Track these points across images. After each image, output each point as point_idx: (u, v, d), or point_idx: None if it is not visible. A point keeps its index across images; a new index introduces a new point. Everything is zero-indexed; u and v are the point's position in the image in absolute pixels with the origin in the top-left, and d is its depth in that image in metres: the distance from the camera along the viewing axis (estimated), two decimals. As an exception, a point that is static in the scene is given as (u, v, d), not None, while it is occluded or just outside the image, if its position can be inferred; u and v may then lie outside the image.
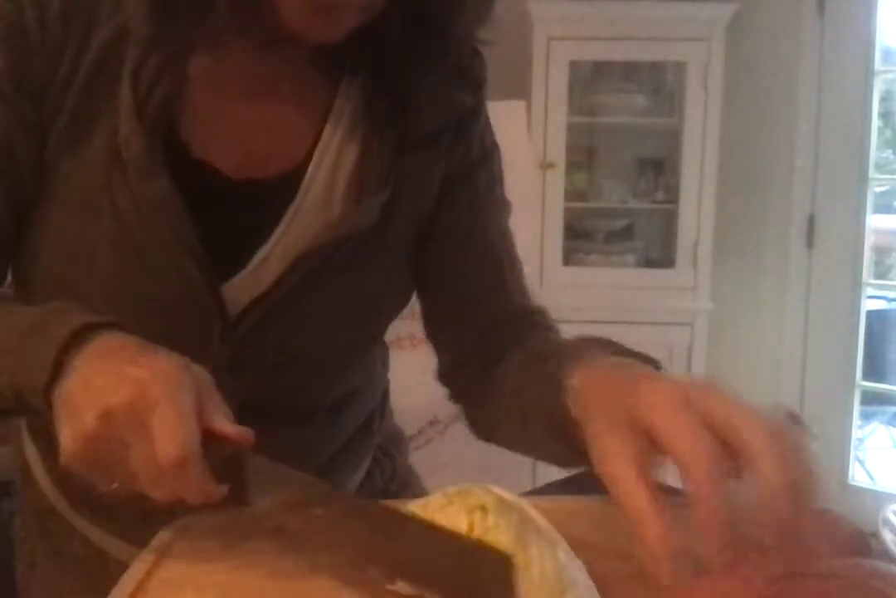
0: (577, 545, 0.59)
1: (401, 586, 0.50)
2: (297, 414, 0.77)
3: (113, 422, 0.50)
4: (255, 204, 0.69)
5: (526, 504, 0.54)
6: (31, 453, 0.82)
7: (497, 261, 0.78)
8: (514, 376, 0.71)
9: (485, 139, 0.79)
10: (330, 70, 0.71)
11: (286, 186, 0.69)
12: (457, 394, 0.82)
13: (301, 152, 0.70)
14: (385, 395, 0.91)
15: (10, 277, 0.72)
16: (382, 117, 0.70)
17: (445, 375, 0.82)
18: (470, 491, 0.52)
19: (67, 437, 0.51)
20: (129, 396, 0.50)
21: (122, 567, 0.61)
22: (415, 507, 0.54)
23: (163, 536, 0.63)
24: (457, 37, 0.68)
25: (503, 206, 0.80)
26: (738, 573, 0.46)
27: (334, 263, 0.70)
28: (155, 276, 0.66)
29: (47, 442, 0.76)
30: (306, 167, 0.69)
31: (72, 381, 0.53)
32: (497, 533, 0.49)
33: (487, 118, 0.79)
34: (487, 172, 0.79)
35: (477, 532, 0.50)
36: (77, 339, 0.54)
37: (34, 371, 0.54)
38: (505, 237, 0.80)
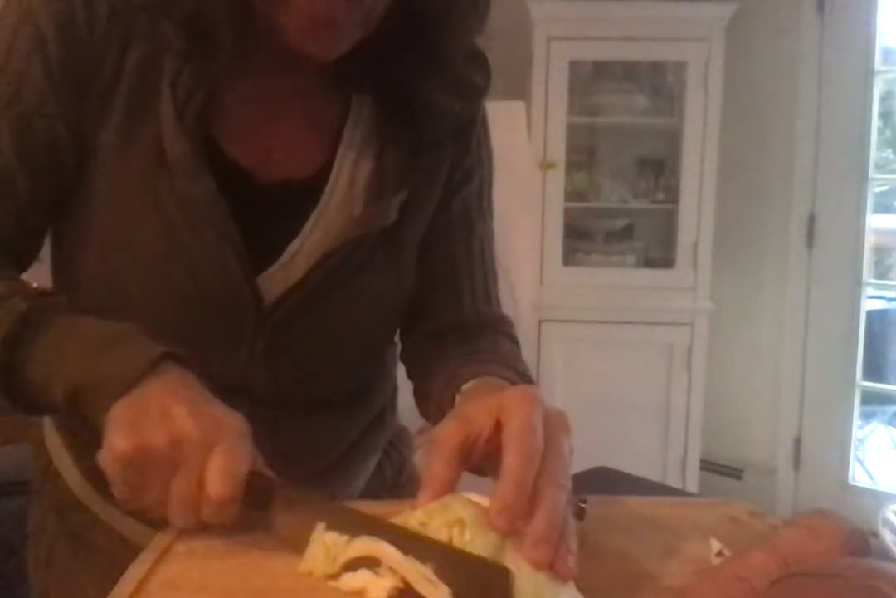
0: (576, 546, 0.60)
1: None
2: (316, 403, 0.81)
3: (178, 448, 0.55)
4: (285, 204, 0.73)
5: None
6: (55, 445, 0.84)
7: (470, 267, 0.83)
8: (438, 365, 0.77)
9: (481, 145, 0.83)
10: (341, 86, 0.75)
11: (311, 188, 0.74)
12: (409, 372, 0.87)
13: (321, 158, 0.74)
14: (394, 390, 0.94)
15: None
16: (394, 125, 0.75)
17: (403, 353, 0.88)
18: (449, 505, 0.53)
19: (120, 446, 0.55)
20: (203, 430, 0.56)
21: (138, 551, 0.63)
22: (395, 521, 0.55)
23: (163, 536, 0.63)
24: (451, 46, 0.72)
25: (488, 212, 0.85)
26: (738, 574, 0.46)
27: (358, 259, 0.75)
28: (197, 271, 0.70)
29: (76, 434, 0.81)
30: (327, 171, 0.74)
31: (143, 400, 0.57)
32: (472, 549, 0.49)
33: (486, 124, 0.84)
34: (480, 178, 0.83)
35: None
36: (154, 365, 0.59)
37: (108, 384, 0.59)
38: (485, 244, 0.84)
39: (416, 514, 0.54)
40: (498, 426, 0.54)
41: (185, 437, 0.55)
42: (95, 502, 0.81)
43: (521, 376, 0.72)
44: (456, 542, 0.50)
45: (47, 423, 0.85)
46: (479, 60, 0.77)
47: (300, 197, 0.73)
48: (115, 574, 0.57)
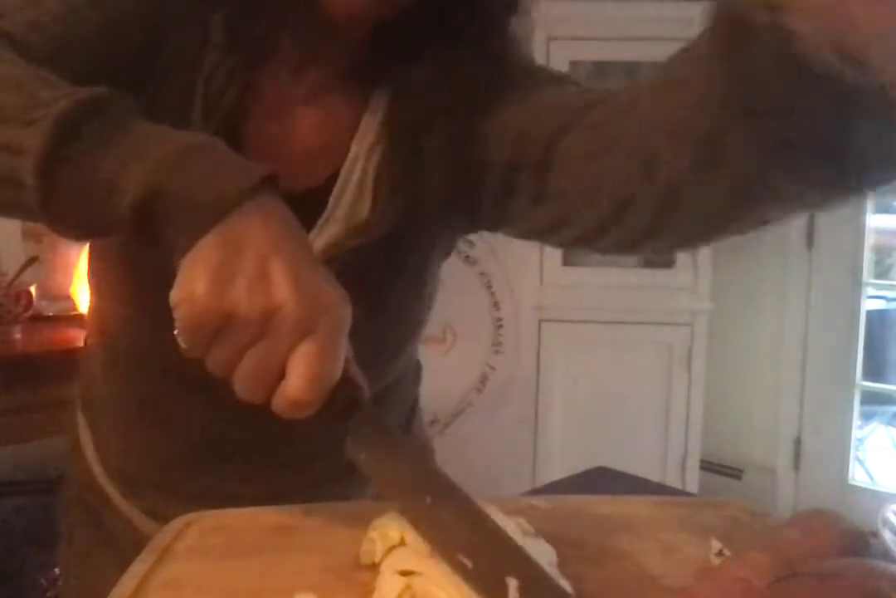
0: (576, 546, 0.60)
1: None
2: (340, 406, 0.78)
3: (267, 321, 0.47)
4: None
5: None
6: (82, 425, 0.84)
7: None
8: None
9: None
10: (358, 87, 0.73)
11: (317, 197, 0.71)
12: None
13: (327, 169, 0.72)
14: (416, 401, 0.93)
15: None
16: (406, 130, 0.71)
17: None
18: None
19: (201, 299, 0.46)
20: (302, 306, 0.47)
21: (148, 540, 0.62)
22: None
23: (163, 535, 0.63)
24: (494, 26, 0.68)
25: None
26: (737, 574, 0.46)
27: (363, 266, 0.71)
28: None
29: (96, 414, 0.80)
30: (333, 181, 0.71)
31: (237, 244, 0.48)
32: None
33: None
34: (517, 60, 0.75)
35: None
36: (255, 189, 0.49)
37: (196, 199, 0.48)
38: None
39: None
40: None
41: (279, 311, 0.47)
42: (106, 483, 0.82)
43: None
44: None
45: (77, 402, 0.85)
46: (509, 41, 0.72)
47: (306, 206, 0.71)
48: (126, 558, 0.57)
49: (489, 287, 2.69)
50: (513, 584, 0.44)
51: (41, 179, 0.49)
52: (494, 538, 0.48)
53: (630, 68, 3.07)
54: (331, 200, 0.71)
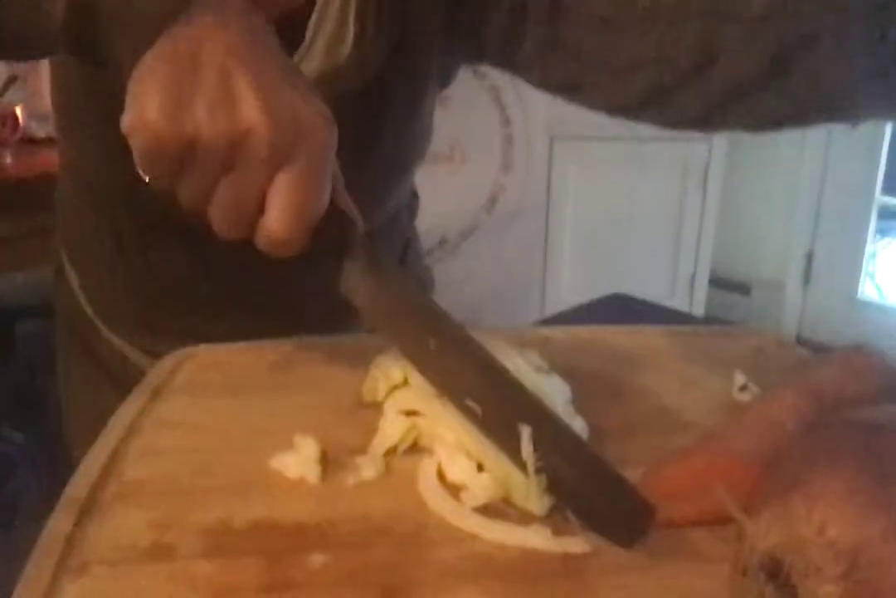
0: (592, 380, 0.57)
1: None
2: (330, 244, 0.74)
3: (235, 148, 0.39)
4: None
5: None
6: (64, 252, 0.81)
7: None
8: None
9: None
10: None
11: (295, 26, 0.59)
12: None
13: None
14: (413, 233, 0.88)
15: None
16: None
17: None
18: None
19: (154, 125, 0.39)
20: (276, 128, 0.39)
21: (140, 372, 0.61)
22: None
23: (156, 372, 0.60)
24: None
25: None
26: (767, 415, 0.43)
27: (350, 110, 0.61)
28: None
29: (75, 248, 0.76)
30: (313, 4, 0.59)
31: (192, 49, 0.39)
32: None
33: None
34: None
35: None
36: None
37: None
38: None
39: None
40: None
41: (249, 135, 0.39)
42: (96, 319, 0.79)
43: None
44: None
45: (58, 233, 0.81)
46: None
47: (282, 37, 0.60)
48: (119, 384, 0.54)
49: (499, 102, 2.56)
50: (525, 431, 0.41)
51: None
52: (505, 383, 0.44)
53: None
54: (309, 27, 0.59)
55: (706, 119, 0.57)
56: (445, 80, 0.72)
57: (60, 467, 0.55)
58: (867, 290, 3.12)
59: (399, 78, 0.65)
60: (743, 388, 0.55)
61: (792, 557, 0.31)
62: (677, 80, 0.55)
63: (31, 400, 1.84)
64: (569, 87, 0.62)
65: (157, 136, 0.39)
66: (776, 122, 0.56)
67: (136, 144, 0.40)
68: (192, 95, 0.39)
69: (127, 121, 0.40)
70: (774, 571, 0.31)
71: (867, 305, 3.07)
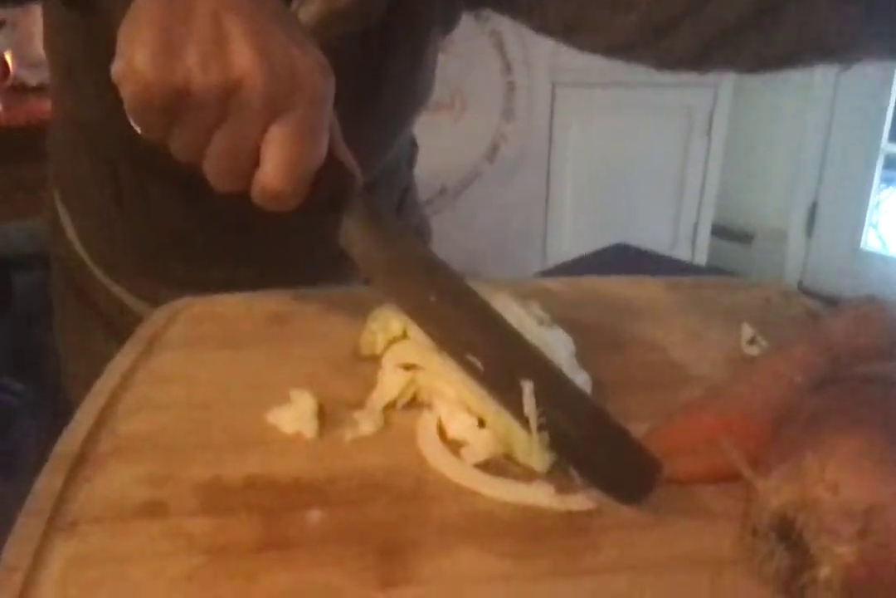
0: (595, 332, 0.55)
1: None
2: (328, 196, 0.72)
3: (227, 97, 0.38)
4: None
5: None
6: (60, 205, 0.79)
7: None
8: None
9: None
10: None
11: None
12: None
13: None
14: (410, 182, 0.86)
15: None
16: None
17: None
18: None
19: (143, 73, 0.37)
20: (270, 77, 0.38)
21: (138, 319, 0.60)
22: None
23: (150, 323, 0.59)
24: None
25: None
26: (777, 369, 0.42)
27: (350, 56, 0.58)
28: None
29: (69, 190, 0.75)
30: None
31: None
32: None
33: None
34: None
35: None
36: None
37: None
38: None
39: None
40: None
41: (242, 84, 0.38)
42: (93, 267, 0.78)
43: None
44: None
45: (52, 181, 0.80)
46: None
47: None
48: (115, 331, 0.53)
49: (501, 48, 2.50)
50: (528, 386, 0.40)
51: None
52: (506, 337, 0.43)
53: None
54: None
55: (701, 58, 0.56)
56: (448, 25, 0.70)
57: (61, 417, 0.54)
58: (870, 240, 3.10)
59: (401, 23, 0.63)
60: (752, 341, 0.53)
61: (804, 516, 0.30)
62: (672, 18, 0.54)
63: (31, 350, 1.84)
64: (567, 30, 0.60)
65: (146, 85, 0.37)
66: (770, 62, 0.55)
67: (125, 93, 0.39)
68: (183, 43, 0.37)
69: (116, 69, 0.38)
70: (785, 530, 0.30)
71: (870, 255, 3.05)
